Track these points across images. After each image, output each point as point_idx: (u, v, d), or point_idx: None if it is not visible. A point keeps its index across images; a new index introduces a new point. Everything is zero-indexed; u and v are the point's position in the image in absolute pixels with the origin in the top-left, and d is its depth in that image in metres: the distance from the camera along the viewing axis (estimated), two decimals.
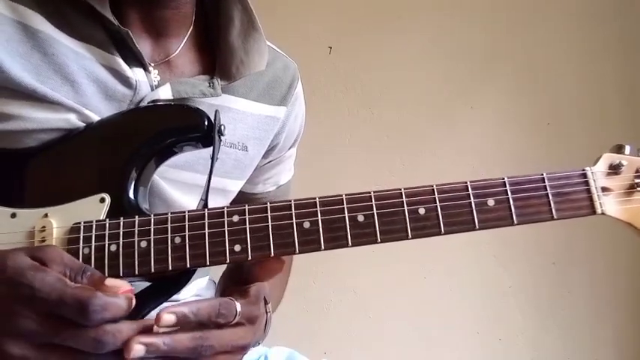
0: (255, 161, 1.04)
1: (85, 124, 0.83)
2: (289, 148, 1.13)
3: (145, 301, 0.77)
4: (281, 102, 1.04)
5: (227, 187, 1.00)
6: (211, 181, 0.92)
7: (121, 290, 0.65)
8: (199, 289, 1.07)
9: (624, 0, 2.29)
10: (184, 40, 0.95)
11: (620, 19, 2.28)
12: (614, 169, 0.77)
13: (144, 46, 0.90)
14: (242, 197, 1.07)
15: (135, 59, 0.87)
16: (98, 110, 0.84)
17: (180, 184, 0.92)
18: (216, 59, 0.95)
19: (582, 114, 2.23)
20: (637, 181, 0.77)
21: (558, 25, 2.28)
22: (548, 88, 2.25)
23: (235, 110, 0.97)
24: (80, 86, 0.83)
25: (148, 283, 0.78)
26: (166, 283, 0.76)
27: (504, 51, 2.25)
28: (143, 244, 0.72)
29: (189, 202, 0.94)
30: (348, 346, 2.06)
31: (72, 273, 0.65)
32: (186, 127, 0.82)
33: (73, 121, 0.82)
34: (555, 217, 0.75)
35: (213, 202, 0.94)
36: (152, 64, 0.90)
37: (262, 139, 1.02)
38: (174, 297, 0.98)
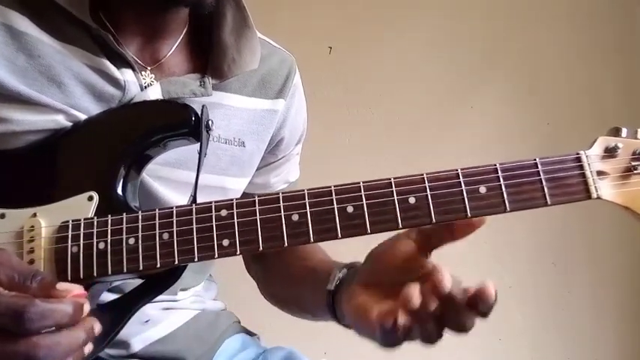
0: (255, 157, 1.02)
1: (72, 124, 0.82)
2: (296, 144, 1.12)
3: (136, 298, 0.77)
4: (278, 95, 1.02)
5: (226, 185, 0.99)
6: (208, 179, 0.92)
7: (71, 294, 0.64)
8: (196, 291, 1.06)
9: (624, 0, 2.28)
10: (177, 42, 0.94)
11: (619, 19, 2.28)
12: (610, 152, 0.74)
13: (135, 48, 0.90)
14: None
15: (123, 60, 0.86)
16: (87, 111, 0.83)
17: (172, 182, 0.91)
18: (208, 58, 0.94)
19: (582, 114, 2.22)
20: (634, 163, 0.74)
21: (558, 26, 2.27)
22: (547, 89, 2.25)
23: (228, 106, 0.96)
24: (67, 87, 0.83)
25: (140, 280, 0.78)
26: (157, 279, 0.76)
27: (504, 51, 2.25)
28: (131, 241, 0.71)
29: (181, 201, 0.92)
30: (348, 346, 2.04)
31: (21, 277, 0.63)
32: (173, 123, 0.81)
33: (62, 122, 0.81)
34: (549, 202, 0.72)
35: None
36: (143, 66, 0.90)
37: (260, 133, 1.00)
38: (171, 296, 0.99)
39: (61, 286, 0.64)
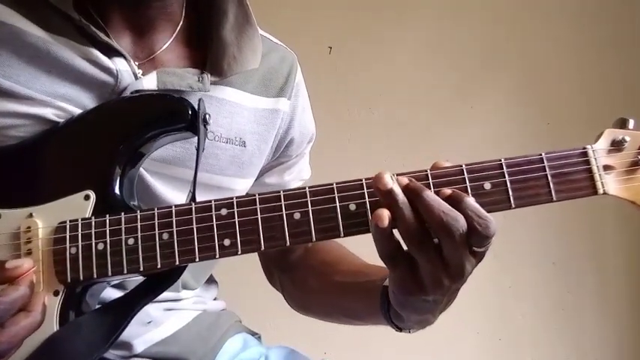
0: (255, 159, 0.99)
1: (61, 119, 0.80)
2: (308, 143, 1.09)
3: (138, 298, 0.76)
4: (279, 93, 1.00)
5: (222, 185, 0.96)
6: (206, 177, 0.90)
7: (22, 270, 0.67)
8: (198, 291, 1.05)
9: (624, 0, 2.28)
10: (173, 36, 0.92)
11: (620, 19, 2.28)
12: (617, 146, 0.72)
13: (127, 42, 0.88)
14: None
15: (113, 51, 0.84)
16: (78, 101, 0.82)
17: (170, 179, 0.89)
18: (207, 54, 0.92)
19: (582, 114, 2.22)
20: None
21: (558, 26, 2.28)
22: (548, 88, 2.25)
23: (232, 103, 0.93)
24: (56, 77, 0.81)
25: (141, 278, 0.77)
26: (158, 278, 0.75)
27: (504, 51, 2.25)
28: (130, 241, 0.70)
29: (180, 198, 0.90)
30: (348, 346, 2.05)
31: None
32: (170, 117, 0.79)
33: (48, 115, 0.80)
34: (555, 198, 0.70)
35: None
36: (136, 61, 0.87)
37: (262, 134, 0.98)
38: (173, 295, 0.98)
39: (10, 264, 0.67)
